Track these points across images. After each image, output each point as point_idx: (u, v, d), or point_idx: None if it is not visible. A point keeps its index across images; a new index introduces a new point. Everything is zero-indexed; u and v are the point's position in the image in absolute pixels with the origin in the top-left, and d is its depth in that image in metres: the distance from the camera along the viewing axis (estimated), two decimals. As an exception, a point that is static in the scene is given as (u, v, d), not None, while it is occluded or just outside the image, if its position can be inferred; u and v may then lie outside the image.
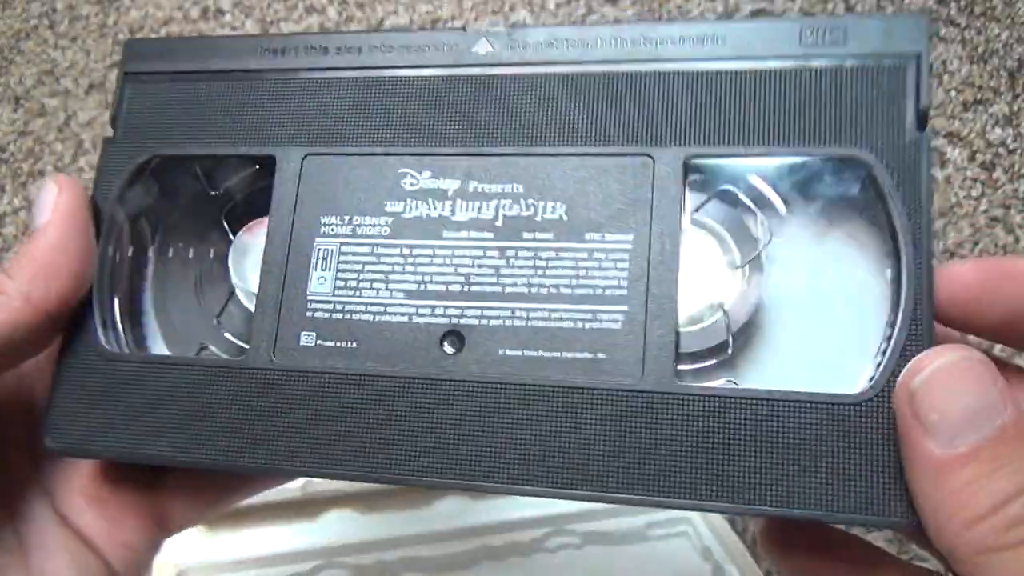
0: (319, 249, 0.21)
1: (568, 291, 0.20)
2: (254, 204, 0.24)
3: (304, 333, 0.21)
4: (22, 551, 0.22)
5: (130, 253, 0.24)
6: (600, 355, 0.20)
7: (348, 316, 0.21)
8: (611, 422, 0.19)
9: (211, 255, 0.24)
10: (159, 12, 0.56)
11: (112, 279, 0.23)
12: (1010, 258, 0.19)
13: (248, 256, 0.24)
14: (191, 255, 0.24)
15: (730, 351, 0.21)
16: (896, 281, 0.19)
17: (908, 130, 0.19)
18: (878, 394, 0.18)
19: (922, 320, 0.18)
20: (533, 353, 0.20)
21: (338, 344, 0.21)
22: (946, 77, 0.50)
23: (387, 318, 0.21)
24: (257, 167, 0.24)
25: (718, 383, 0.21)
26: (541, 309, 0.20)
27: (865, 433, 0.18)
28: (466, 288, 0.20)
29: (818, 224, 0.21)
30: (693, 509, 0.19)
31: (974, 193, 0.49)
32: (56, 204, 0.21)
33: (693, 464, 0.19)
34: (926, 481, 0.17)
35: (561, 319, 0.20)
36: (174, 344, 0.24)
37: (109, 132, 0.24)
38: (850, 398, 0.18)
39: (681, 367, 0.21)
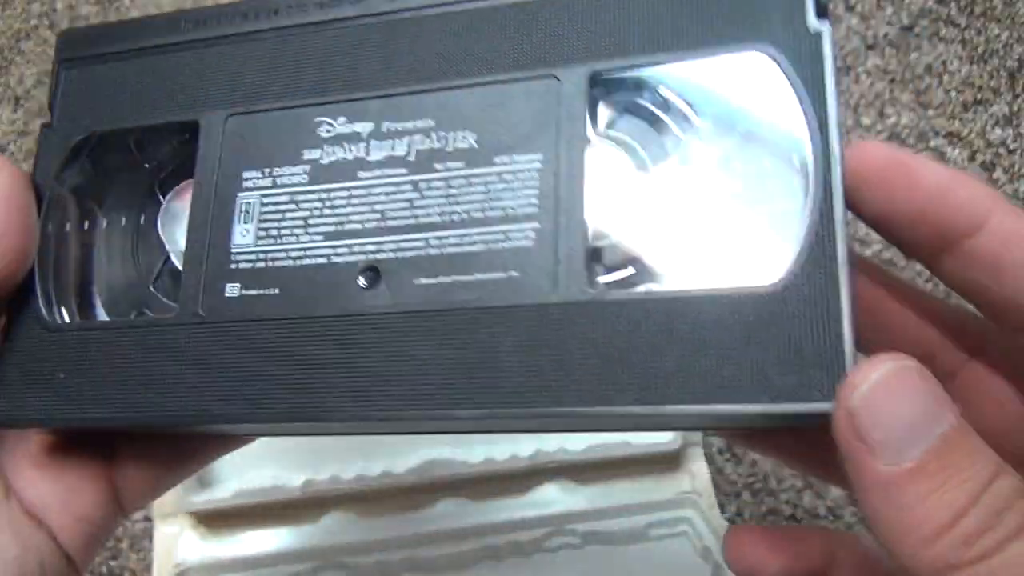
0: (241, 203, 0.22)
1: (480, 215, 0.20)
2: (185, 171, 0.25)
3: (229, 284, 0.21)
4: None
5: (69, 229, 0.25)
6: (513, 273, 0.19)
7: (270, 264, 0.21)
8: (528, 337, 0.19)
9: (143, 222, 0.25)
10: (159, 12, 0.56)
11: (56, 256, 0.24)
12: (920, 158, 0.18)
13: (178, 220, 0.24)
14: (126, 225, 0.25)
15: (644, 258, 0.21)
16: (804, 171, 0.19)
17: (809, 22, 0.19)
18: (791, 284, 0.18)
19: (832, 208, 0.18)
20: (447, 279, 0.20)
21: (261, 292, 0.21)
22: (946, 77, 0.50)
23: (307, 261, 0.21)
24: (187, 136, 0.24)
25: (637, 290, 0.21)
26: (454, 235, 0.20)
27: (781, 323, 0.17)
28: (382, 224, 0.21)
29: (728, 123, 0.21)
30: (614, 416, 0.18)
31: (974, 193, 0.49)
32: None
33: (613, 370, 0.18)
34: (877, 501, 0.16)
35: (474, 243, 0.20)
36: (114, 313, 0.24)
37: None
38: (764, 289, 0.18)
39: (604, 279, 0.21)
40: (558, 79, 0.21)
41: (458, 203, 0.20)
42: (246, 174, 0.22)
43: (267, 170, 0.22)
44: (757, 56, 0.19)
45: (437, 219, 0.20)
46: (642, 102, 0.22)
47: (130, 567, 0.42)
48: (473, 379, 0.19)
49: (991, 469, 0.15)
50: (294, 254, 0.21)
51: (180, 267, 0.23)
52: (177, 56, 0.24)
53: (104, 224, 0.25)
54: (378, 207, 0.21)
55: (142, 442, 0.24)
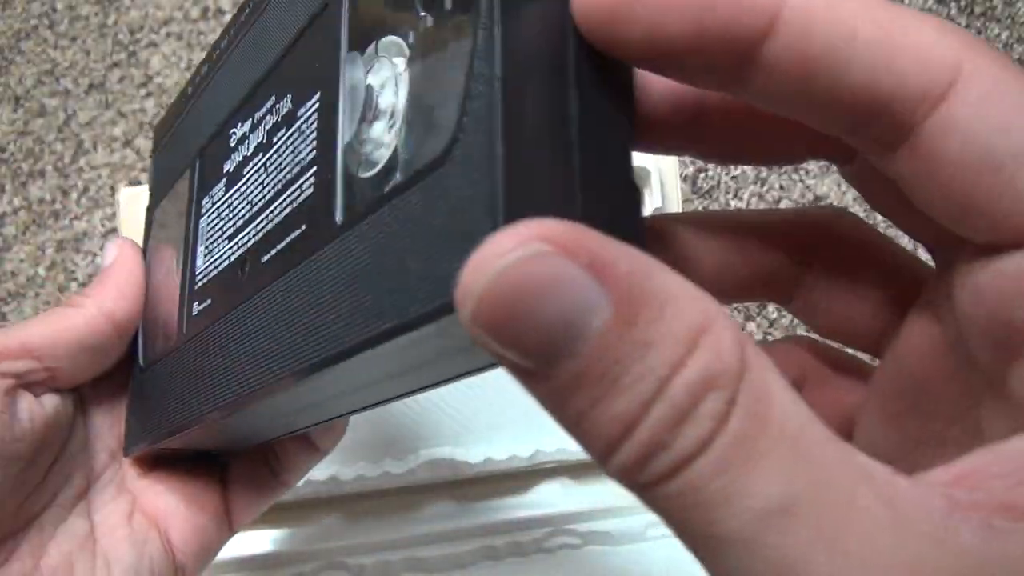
0: (200, 227, 0.24)
1: (290, 175, 0.19)
2: None
3: (196, 304, 0.23)
4: (91, 536, 0.24)
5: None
6: (304, 227, 0.18)
7: (207, 277, 0.23)
8: (333, 273, 0.16)
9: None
10: (159, 12, 0.56)
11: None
12: None
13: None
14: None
15: (397, 173, 0.16)
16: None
17: None
18: (452, 150, 0.13)
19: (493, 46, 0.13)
20: (274, 251, 0.19)
21: (204, 304, 0.23)
22: (946, 77, 0.50)
23: (221, 266, 0.22)
24: None
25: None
26: (277, 205, 0.20)
27: (442, 200, 0.13)
28: (251, 212, 0.21)
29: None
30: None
31: (974, 193, 0.49)
32: (121, 246, 0.26)
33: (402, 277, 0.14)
34: (557, 416, 0.11)
35: (286, 207, 0.19)
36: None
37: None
38: (435, 163, 0.14)
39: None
40: (327, 6, 0.18)
41: (280, 170, 0.19)
42: (204, 201, 0.24)
43: (211, 191, 0.24)
44: None
45: (271, 192, 0.20)
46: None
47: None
48: (307, 335, 0.17)
49: (676, 353, 0.11)
50: (216, 262, 0.23)
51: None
52: (187, 113, 0.27)
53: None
54: (250, 197, 0.21)
55: (248, 463, 0.27)
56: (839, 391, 0.18)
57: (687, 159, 0.48)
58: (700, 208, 0.48)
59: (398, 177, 0.15)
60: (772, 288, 0.18)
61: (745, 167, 0.48)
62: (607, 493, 0.41)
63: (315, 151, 0.18)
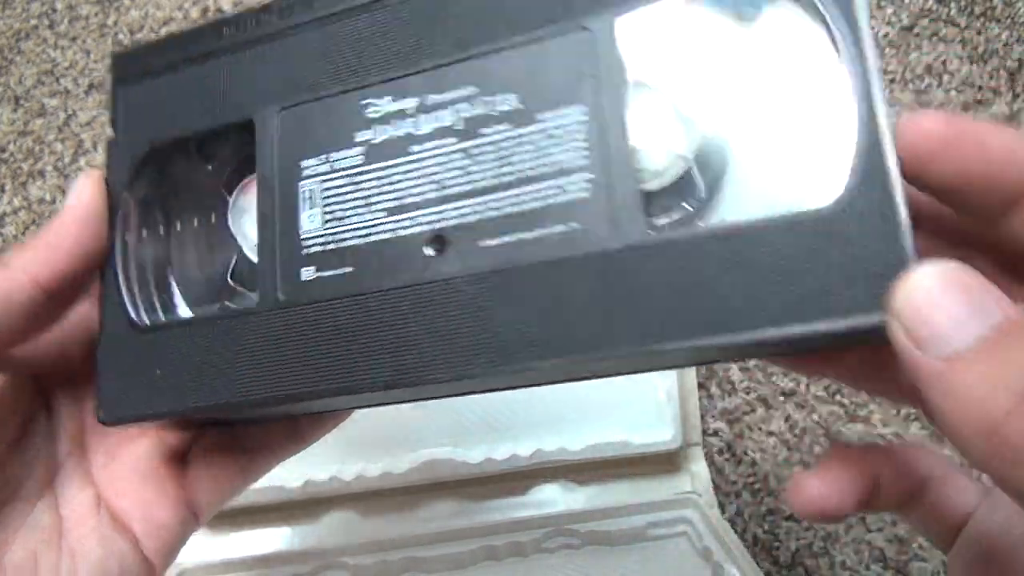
0: (304, 191, 0.23)
1: (533, 172, 0.21)
2: (246, 167, 0.26)
3: (304, 269, 0.22)
4: (57, 530, 0.23)
5: (146, 236, 0.26)
6: (574, 224, 0.20)
7: (339, 244, 0.22)
8: (598, 284, 0.19)
9: (214, 220, 0.26)
10: (159, 12, 0.56)
11: (137, 262, 0.25)
12: (981, 123, 0.18)
13: (247, 214, 0.26)
14: (199, 225, 0.26)
15: (702, 194, 0.21)
16: (839, 88, 0.19)
17: None
18: (847, 202, 0.18)
19: (878, 125, 0.18)
20: (511, 238, 0.21)
21: (334, 272, 0.22)
22: (946, 77, 0.50)
23: (374, 238, 0.22)
24: (244, 134, 0.25)
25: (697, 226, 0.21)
26: (511, 195, 0.21)
27: (842, 241, 0.18)
28: (440, 193, 0.22)
29: (758, 45, 0.21)
30: (690, 349, 0.19)
31: (974, 193, 0.49)
32: (77, 192, 0.23)
33: (685, 306, 0.19)
34: (935, 396, 0.15)
35: (532, 200, 0.21)
36: (197, 308, 0.26)
37: (110, 133, 0.26)
38: (822, 211, 0.18)
39: (661, 221, 0.21)
40: (588, 29, 0.21)
41: (510, 163, 0.21)
42: (304, 163, 0.23)
43: (323, 156, 0.23)
44: None
45: (493, 181, 0.21)
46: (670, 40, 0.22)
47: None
48: (551, 330, 0.19)
49: None
50: (361, 232, 0.22)
51: (253, 258, 0.25)
52: (224, 60, 0.25)
53: (178, 226, 0.26)
54: (435, 178, 0.22)
55: (212, 453, 0.26)
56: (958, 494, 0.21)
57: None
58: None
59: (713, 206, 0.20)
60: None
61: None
62: (607, 493, 0.41)
63: (587, 158, 0.20)
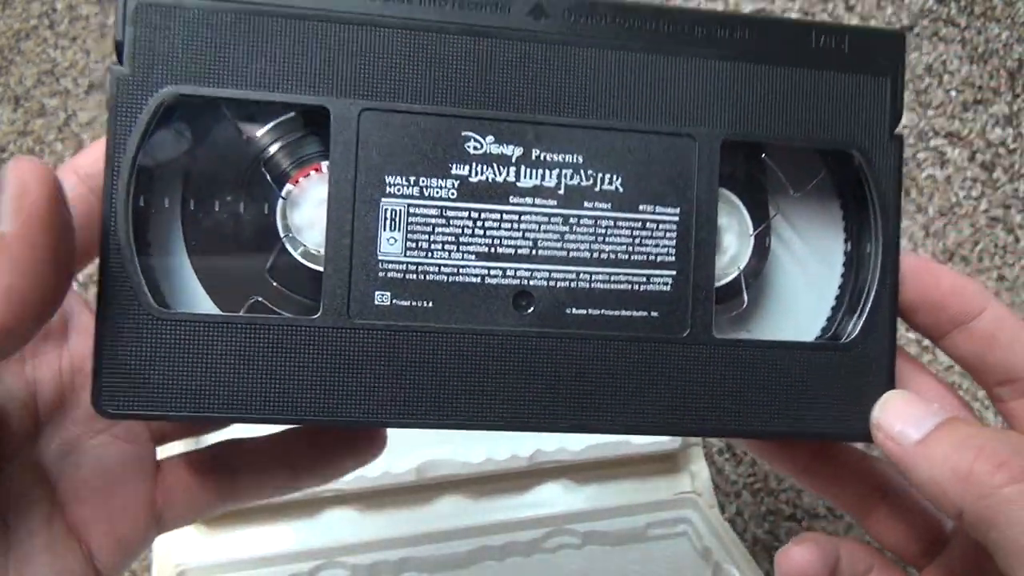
0: (387, 209, 0.22)
1: (625, 257, 0.23)
2: (293, 153, 0.23)
3: (379, 292, 0.22)
4: (5, 542, 0.21)
5: (166, 204, 0.23)
6: (654, 313, 0.23)
7: (422, 276, 0.22)
8: (666, 370, 0.23)
9: (252, 205, 0.23)
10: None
11: (143, 233, 0.22)
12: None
13: (297, 209, 0.23)
14: (226, 206, 0.23)
15: (745, 305, 0.25)
16: (867, 254, 0.25)
17: (887, 133, 0.25)
18: (862, 342, 0.24)
19: (888, 282, 0.24)
20: (596, 312, 0.23)
21: (414, 304, 0.22)
22: (946, 77, 0.50)
23: (460, 279, 0.22)
24: (304, 118, 0.23)
25: (740, 334, 0.25)
26: (601, 272, 0.23)
27: (854, 371, 0.24)
28: (534, 252, 0.22)
29: (806, 202, 0.26)
30: (722, 435, 0.24)
31: (974, 193, 0.49)
32: (19, 208, 0.17)
33: (728, 398, 0.23)
34: (917, 469, 0.22)
35: (619, 281, 0.23)
36: (219, 297, 0.23)
37: (115, 61, 0.21)
38: (842, 344, 0.24)
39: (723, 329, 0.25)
40: (694, 139, 0.23)
41: (605, 243, 0.23)
42: (389, 178, 0.22)
43: (412, 178, 0.22)
44: (845, 153, 0.24)
45: (587, 255, 0.23)
46: (750, 170, 0.26)
47: (130, 567, 0.42)
48: (623, 399, 0.22)
49: (994, 433, 0.21)
50: (447, 270, 0.22)
51: (297, 257, 0.23)
52: (299, 24, 0.21)
53: (198, 201, 0.23)
54: (529, 235, 0.22)
55: (192, 471, 0.24)
56: None
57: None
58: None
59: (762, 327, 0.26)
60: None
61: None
62: (607, 493, 0.41)
63: (674, 256, 0.23)
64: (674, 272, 0.23)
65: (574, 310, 0.22)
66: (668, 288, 0.23)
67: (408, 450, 0.40)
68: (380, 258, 0.22)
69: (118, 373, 0.21)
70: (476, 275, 0.22)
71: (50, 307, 0.18)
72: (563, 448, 0.40)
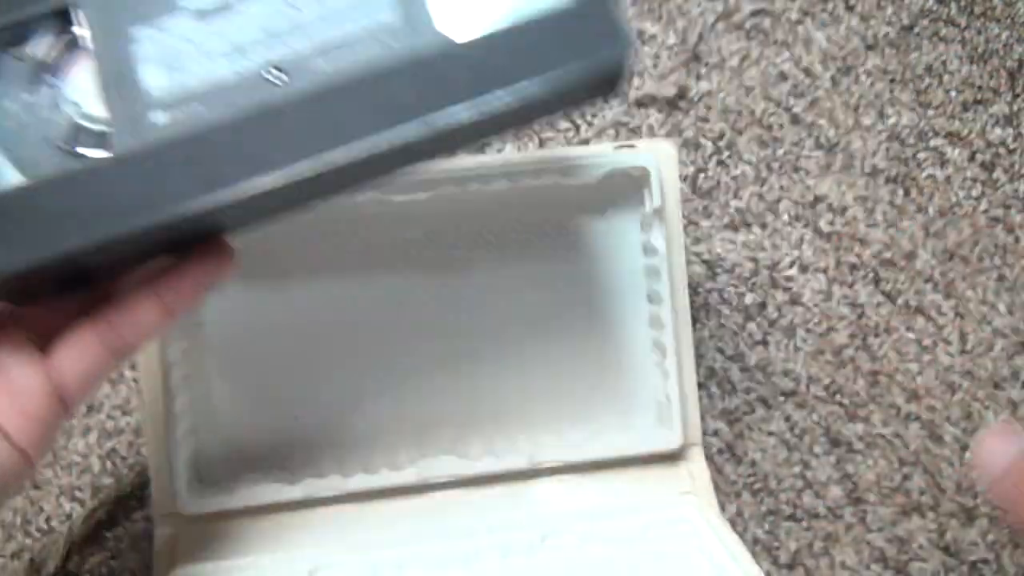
0: (139, 53, 0.26)
1: (343, 4, 0.26)
2: (64, 48, 0.27)
3: (153, 113, 0.25)
4: None
5: None
6: (384, 40, 0.26)
7: (186, 89, 0.25)
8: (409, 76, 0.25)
9: (34, 97, 0.27)
10: None
11: None
12: None
13: (74, 88, 0.26)
14: (18, 99, 0.27)
15: None
16: None
17: None
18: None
19: None
20: (336, 56, 0.25)
21: (188, 111, 0.25)
22: (946, 77, 0.50)
23: (217, 78, 0.25)
24: (55, 19, 0.26)
25: None
26: (330, 26, 0.26)
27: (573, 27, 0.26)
28: (271, 35, 0.26)
29: None
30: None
31: (974, 193, 0.49)
32: None
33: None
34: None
35: (345, 25, 0.26)
36: (28, 171, 0.26)
37: None
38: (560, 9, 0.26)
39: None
40: None
41: (324, 4, 0.26)
42: (132, 30, 0.26)
43: (150, 22, 0.26)
44: None
45: (314, 18, 0.26)
46: None
47: (130, 567, 0.42)
48: (377, 113, 0.25)
49: None
50: (203, 76, 0.25)
51: (90, 125, 0.26)
52: None
53: None
54: (260, 23, 0.25)
55: (75, 336, 0.26)
56: None
57: (686, 159, 0.48)
58: (700, 208, 0.48)
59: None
60: None
61: (745, 166, 0.48)
62: (607, 493, 0.41)
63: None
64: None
65: (320, 62, 0.25)
66: (391, 16, 0.26)
67: (408, 450, 0.40)
68: (151, 89, 0.25)
69: None
70: (230, 71, 0.25)
71: None
72: (563, 448, 0.40)
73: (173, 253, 0.27)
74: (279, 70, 0.25)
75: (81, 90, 0.26)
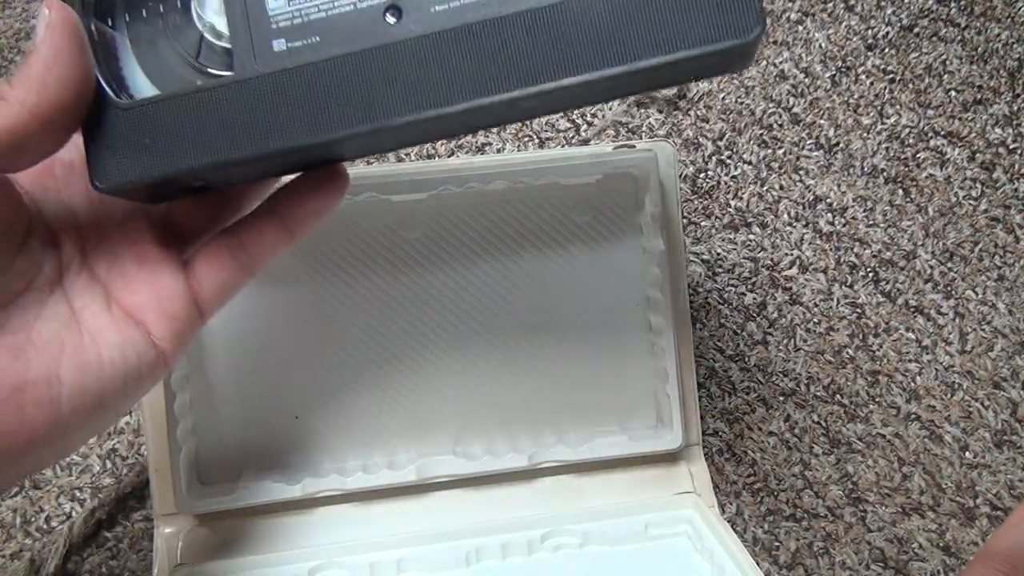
0: None
1: None
2: None
3: (275, 41, 0.25)
4: (75, 319, 0.25)
5: (101, 24, 0.27)
6: None
7: (306, 18, 0.25)
8: (533, 28, 0.24)
9: (168, 12, 0.28)
10: None
11: (105, 51, 0.27)
12: None
13: (207, 6, 0.27)
14: (155, 16, 0.28)
15: None
16: None
17: None
18: None
19: None
20: (458, 2, 0.24)
21: (304, 42, 0.25)
22: (946, 77, 0.50)
23: (336, 11, 0.25)
24: None
25: None
26: None
27: None
28: None
29: None
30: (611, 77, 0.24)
31: (974, 193, 0.49)
32: (49, 22, 0.24)
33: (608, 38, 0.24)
34: None
35: None
36: (175, 87, 0.27)
37: None
38: None
39: None
40: None
41: None
42: None
43: None
44: None
45: None
46: None
47: (130, 567, 0.42)
48: (499, 68, 0.24)
49: None
50: (323, 6, 0.25)
51: (217, 42, 0.27)
52: None
53: (127, 18, 0.28)
54: None
55: (211, 251, 0.28)
56: None
57: (686, 159, 0.48)
58: (700, 208, 0.48)
59: None
60: None
61: (745, 166, 0.48)
62: (607, 493, 0.41)
63: None
64: None
65: (438, 7, 0.25)
66: None
67: (408, 450, 0.40)
68: (270, 14, 0.26)
69: (101, 155, 0.25)
70: (348, 3, 0.25)
71: (76, 95, 0.24)
72: (563, 448, 0.40)
73: (293, 174, 0.28)
74: (397, 10, 0.25)
75: (212, 6, 0.27)
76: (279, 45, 0.26)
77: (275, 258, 0.29)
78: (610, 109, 0.48)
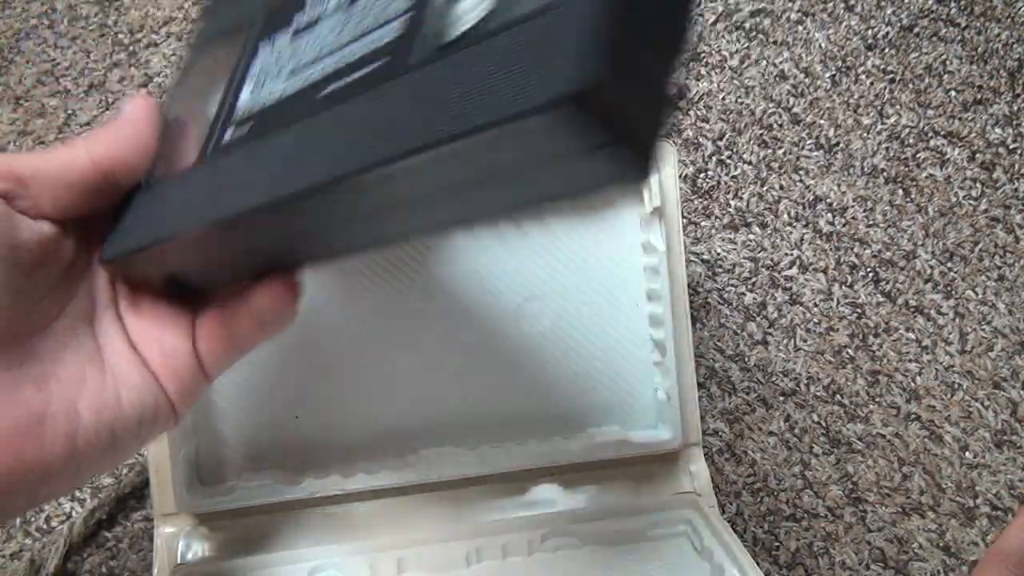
0: (251, 70, 0.27)
1: (363, 28, 0.23)
2: None
3: (231, 129, 0.25)
4: (100, 355, 0.26)
5: None
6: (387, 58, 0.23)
7: (256, 105, 0.25)
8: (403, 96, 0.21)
9: None
10: (159, 12, 0.56)
11: None
12: None
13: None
14: None
15: None
16: None
17: None
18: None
19: None
20: (347, 78, 0.23)
21: (242, 128, 0.25)
22: (946, 77, 0.50)
23: (275, 98, 0.25)
24: None
25: None
26: (358, 46, 0.23)
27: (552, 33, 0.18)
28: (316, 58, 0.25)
29: None
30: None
31: (974, 193, 0.49)
32: (135, 101, 0.26)
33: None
34: None
35: (358, 54, 0.23)
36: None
37: None
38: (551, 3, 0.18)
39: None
40: None
41: (362, 20, 0.23)
42: (260, 45, 0.27)
43: (270, 36, 0.27)
44: None
45: (350, 38, 0.23)
46: None
47: (130, 567, 0.42)
48: (387, 134, 0.20)
49: None
50: (270, 95, 0.25)
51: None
52: None
53: None
54: (323, 42, 0.24)
55: (212, 321, 0.27)
56: None
57: (686, 159, 0.48)
58: (700, 208, 0.48)
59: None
60: None
61: (745, 166, 0.48)
62: (607, 493, 0.41)
63: (409, 8, 0.21)
64: (408, 15, 0.21)
65: (337, 84, 0.23)
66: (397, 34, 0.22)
67: (407, 450, 0.40)
68: (238, 107, 0.26)
69: (118, 229, 0.26)
70: (282, 89, 0.25)
71: (136, 166, 0.26)
72: (563, 448, 0.40)
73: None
74: (311, 91, 0.24)
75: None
76: (230, 133, 0.26)
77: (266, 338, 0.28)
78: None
